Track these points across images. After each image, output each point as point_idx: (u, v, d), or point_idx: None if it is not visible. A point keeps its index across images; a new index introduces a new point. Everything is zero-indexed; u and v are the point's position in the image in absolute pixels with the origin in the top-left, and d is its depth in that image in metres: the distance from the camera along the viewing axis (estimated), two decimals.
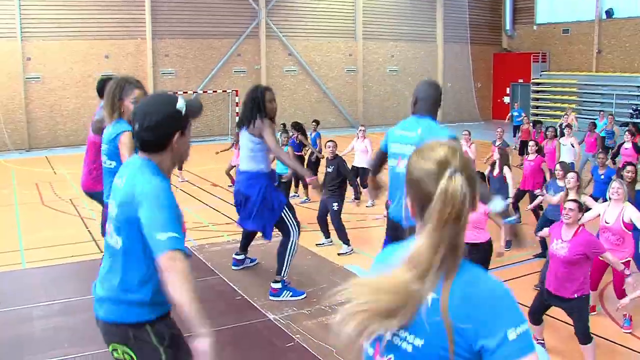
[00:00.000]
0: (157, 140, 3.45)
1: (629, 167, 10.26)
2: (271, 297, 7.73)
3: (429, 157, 2.03)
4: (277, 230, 8.00)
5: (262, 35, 31.46)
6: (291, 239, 7.80)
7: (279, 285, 7.77)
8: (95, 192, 7.46)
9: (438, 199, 1.95)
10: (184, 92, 28.77)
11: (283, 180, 12.59)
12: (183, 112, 3.46)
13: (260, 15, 31.22)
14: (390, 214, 5.95)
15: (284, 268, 7.77)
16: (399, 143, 5.63)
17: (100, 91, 7.35)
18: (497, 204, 5.32)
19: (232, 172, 14.65)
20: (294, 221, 7.88)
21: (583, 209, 7.65)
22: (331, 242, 11.64)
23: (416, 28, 36.04)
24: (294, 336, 6.71)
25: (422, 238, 1.98)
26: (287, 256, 7.77)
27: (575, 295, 6.99)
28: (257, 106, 7.53)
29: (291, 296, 7.75)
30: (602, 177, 11.91)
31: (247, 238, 8.84)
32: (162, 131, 3.43)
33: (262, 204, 7.66)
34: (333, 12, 33.38)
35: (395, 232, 5.69)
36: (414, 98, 5.79)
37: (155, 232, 3.20)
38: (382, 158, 6.16)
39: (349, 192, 13.23)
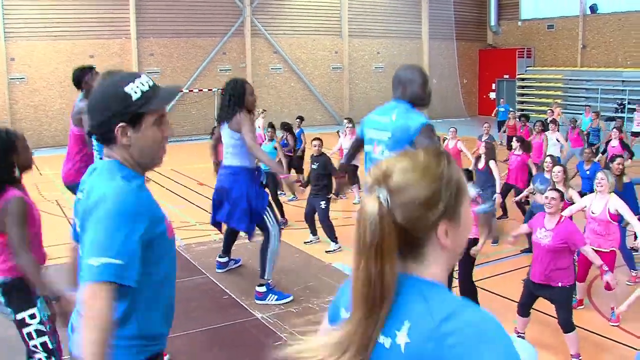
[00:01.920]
0: (98, 129, 2.79)
1: (618, 159, 10.37)
2: (256, 301, 7.68)
3: (373, 170, 1.75)
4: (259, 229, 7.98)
5: (247, 33, 31.43)
6: (271, 240, 7.72)
7: (263, 289, 7.70)
8: (77, 185, 7.38)
9: (357, 217, 1.70)
10: None
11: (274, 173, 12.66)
12: (134, 97, 2.70)
13: (245, 13, 31.18)
14: None
15: (267, 270, 7.70)
16: (374, 129, 5.43)
17: (77, 81, 7.31)
18: (483, 207, 5.23)
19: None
20: (274, 221, 7.82)
21: (565, 199, 7.74)
22: (319, 239, 11.65)
23: (402, 25, 36.09)
24: (282, 335, 6.71)
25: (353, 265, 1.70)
26: (268, 257, 7.69)
27: (560, 284, 7.08)
28: (237, 100, 7.48)
29: (276, 300, 7.69)
30: (588, 172, 11.98)
31: (230, 239, 8.77)
32: (100, 117, 2.74)
33: (244, 201, 7.59)
34: (318, 10, 33.39)
35: None
36: (393, 81, 5.54)
37: (89, 254, 2.51)
38: (358, 145, 5.99)
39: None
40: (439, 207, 1.70)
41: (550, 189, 7.67)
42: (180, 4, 29.43)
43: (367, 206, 1.65)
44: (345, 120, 16.70)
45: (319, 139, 12.18)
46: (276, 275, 8.02)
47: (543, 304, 7.59)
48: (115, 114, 2.69)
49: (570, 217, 8.18)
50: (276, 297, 7.70)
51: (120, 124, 2.70)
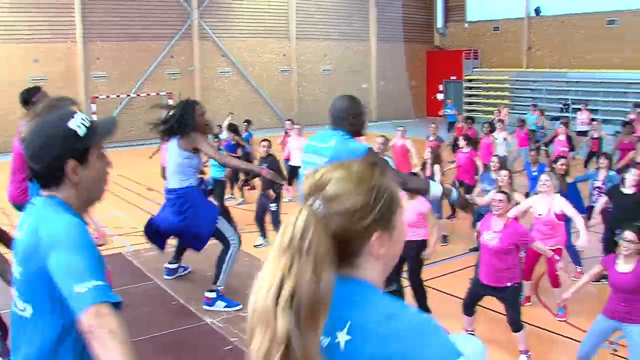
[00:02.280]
0: (45, 171, 2.68)
1: (561, 160, 10.55)
2: (205, 307, 7.62)
3: (309, 178, 1.76)
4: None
5: (195, 36, 31.21)
6: (231, 249, 7.72)
7: (213, 295, 7.67)
8: (23, 205, 7.24)
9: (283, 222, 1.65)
10: (117, 96, 28.38)
11: (223, 180, 12.61)
12: (81, 133, 2.66)
13: (192, 16, 30.97)
14: None
15: (221, 277, 7.67)
16: (311, 153, 5.44)
17: (25, 102, 7.16)
18: (436, 187, 5.25)
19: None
20: (232, 230, 7.79)
21: (511, 201, 7.85)
22: (269, 242, 11.61)
23: (349, 27, 36.22)
24: (231, 339, 6.67)
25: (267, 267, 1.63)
26: (225, 266, 7.68)
27: (508, 284, 7.18)
28: (186, 121, 7.41)
29: (225, 307, 7.65)
30: (535, 173, 12.16)
31: (181, 246, 8.73)
32: (48, 158, 2.64)
33: (195, 220, 7.55)
34: (266, 13, 33.30)
35: None
36: (330, 109, 5.49)
37: (73, 284, 2.40)
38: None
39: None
40: (372, 217, 1.72)
41: (497, 192, 7.77)
42: (127, 7, 29.05)
43: (301, 214, 1.63)
44: (287, 122, 16.72)
45: (267, 140, 12.14)
46: (227, 282, 7.96)
47: (493, 302, 7.67)
48: (64, 152, 2.63)
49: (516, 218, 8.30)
50: (225, 304, 7.66)
51: (71, 161, 2.64)
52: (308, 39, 34.67)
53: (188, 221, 7.57)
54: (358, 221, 1.70)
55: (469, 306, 7.63)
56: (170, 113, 7.55)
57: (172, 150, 7.55)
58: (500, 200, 7.37)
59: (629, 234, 6.33)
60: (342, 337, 1.65)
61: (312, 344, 1.56)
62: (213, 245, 8.00)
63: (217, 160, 7.50)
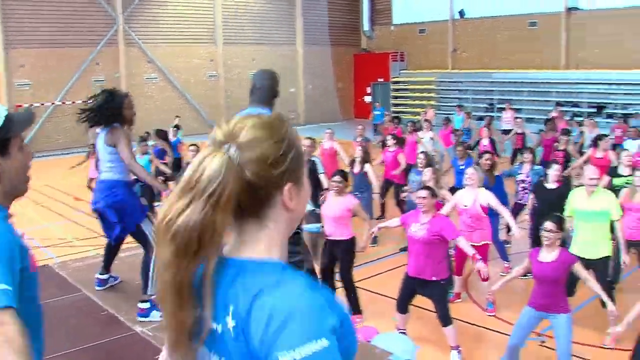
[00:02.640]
0: None
1: (486, 155, 10.78)
2: (139, 318, 7.46)
3: (219, 129, 1.74)
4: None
5: (120, 42, 30.76)
6: (152, 255, 7.53)
7: (146, 305, 7.46)
8: None
9: (192, 163, 1.67)
10: (41, 104, 27.77)
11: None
12: None
13: (117, 22, 30.52)
14: None
15: (149, 285, 7.51)
16: None
17: None
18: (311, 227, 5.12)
19: (93, 185, 14.21)
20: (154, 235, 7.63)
21: (437, 197, 8.00)
22: None
23: (276, 31, 36.22)
24: (161, 347, 6.58)
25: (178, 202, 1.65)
26: (151, 272, 7.51)
27: (434, 278, 7.28)
28: (114, 114, 7.25)
29: (161, 316, 7.45)
30: (462, 167, 12.35)
31: (110, 255, 8.50)
32: None
33: (121, 213, 7.40)
34: (192, 18, 33.02)
35: None
36: (252, 87, 5.57)
37: None
38: None
39: None
40: (285, 166, 1.70)
41: (421, 189, 7.87)
42: (51, 13, 28.41)
43: (214, 159, 1.63)
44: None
45: (195, 144, 12.04)
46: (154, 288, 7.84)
47: (425, 301, 7.75)
48: None
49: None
50: (160, 313, 7.44)
51: None
52: (235, 43, 34.52)
53: (115, 213, 7.40)
54: (271, 169, 1.68)
55: (403, 303, 7.71)
56: (97, 101, 7.33)
57: (100, 147, 7.39)
58: (423, 197, 7.47)
59: (548, 224, 6.52)
60: (230, 323, 1.62)
61: (185, 274, 1.63)
62: (140, 255, 7.87)
63: (126, 163, 7.29)
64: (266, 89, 5.48)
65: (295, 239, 5.45)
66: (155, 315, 7.40)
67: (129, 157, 7.23)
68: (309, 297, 1.57)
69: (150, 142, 15.42)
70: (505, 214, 8.88)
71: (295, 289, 1.58)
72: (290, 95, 35.95)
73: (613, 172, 10.66)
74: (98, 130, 7.49)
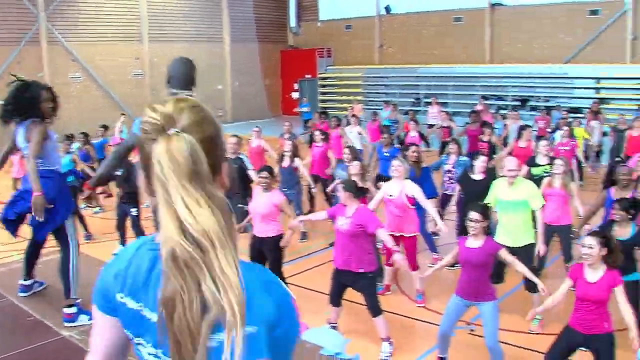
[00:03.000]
0: None
1: (413, 148, 10.87)
2: (66, 324, 7.22)
3: (153, 113, 1.69)
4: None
5: (43, 41, 29.94)
6: (71, 255, 7.29)
7: (73, 310, 7.23)
8: None
9: (160, 159, 1.60)
10: None
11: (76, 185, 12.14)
12: None
13: (39, 20, 29.75)
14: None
15: (72, 288, 7.28)
16: None
17: None
18: None
19: (19, 185, 13.83)
20: (74, 235, 7.41)
21: (360, 190, 8.09)
22: None
23: (203, 29, 35.87)
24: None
25: (179, 200, 1.58)
26: (71, 275, 7.28)
27: (361, 270, 7.34)
28: (30, 107, 6.97)
29: (89, 320, 7.19)
30: (387, 155, 12.47)
31: (31, 260, 8.20)
32: None
33: (51, 210, 7.11)
34: (117, 15, 32.37)
35: None
36: (168, 76, 5.48)
37: None
38: (127, 151, 5.75)
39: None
40: (222, 145, 1.75)
41: (338, 183, 7.94)
42: None
43: (175, 142, 1.60)
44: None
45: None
46: (83, 291, 7.61)
47: (355, 294, 7.78)
48: None
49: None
50: (88, 317, 7.15)
51: None
52: (161, 41, 34.01)
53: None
54: (216, 148, 1.70)
55: (335, 296, 7.74)
56: (8, 94, 7.02)
57: (20, 141, 7.10)
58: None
59: (473, 214, 6.65)
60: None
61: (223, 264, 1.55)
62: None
63: (28, 158, 6.98)
64: (182, 77, 5.38)
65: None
66: (83, 319, 7.20)
67: (34, 153, 6.91)
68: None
69: (76, 145, 14.98)
70: (430, 208, 8.99)
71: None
72: (218, 92, 35.70)
73: (532, 161, 10.90)
74: (15, 126, 7.17)
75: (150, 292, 1.72)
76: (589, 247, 5.84)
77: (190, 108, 1.70)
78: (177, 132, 1.63)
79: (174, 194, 1.57)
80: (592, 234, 6.05)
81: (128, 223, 11.05)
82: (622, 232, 7.06)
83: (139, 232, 10.87)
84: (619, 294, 5.81)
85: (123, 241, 11.32)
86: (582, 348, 6.34)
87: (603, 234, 6.05)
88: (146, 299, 1.74)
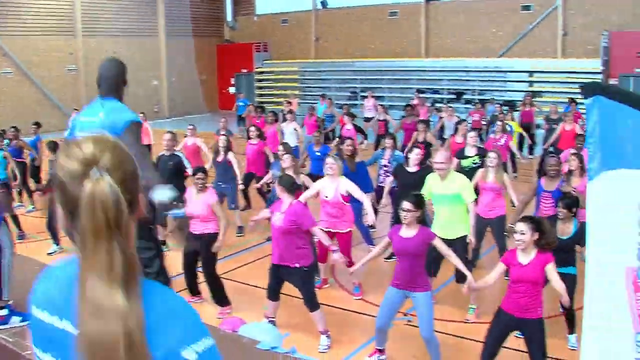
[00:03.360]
0: None
1: (347, 141, 10.87)
2: None
3: (73, 155, 1.67)
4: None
5: None
6: (4, 254, 7.15)
7: (4, 312, 7.10)
8: None
9: (85, 205, 1.60)
10: None
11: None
12: None
13: None
14: None
15: (3, 289, 7.12)
16: (85, 130, 4.95)
17: None
18: (162, 193, 4.90)
19: None
20: (7, 237, 7.26)
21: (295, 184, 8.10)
22: (62, 249, 11.11)
23: (138, 23, 35.33)
24: (24, 354, 6.31)
25: (86, 257, 1.61)
26: (4, 275, 7.13)
27: (297, 265, 7.35)
28: None
29: (21, 321, 7.07)
30: (318, 154, 12.46)
31: None
32: None
33: None
34: (50, 9, 31.61)
35: None
36: (98, 77, 5.28)
37: None
38: None
39: None
40: (139, 179, 1.77)
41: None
42: None
43: (99, 187, 1.61)
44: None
45: (54, 142, 11.58)
46: (16, 291, 7.44)
47: (293, 288, 7.77)
48: None
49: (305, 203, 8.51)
50: (20, 318, 7.03)
51: None
52: (95, 36, 33.40)
53: None
54: (135, 184, 1.73)
55: (273, 290, 7.72)
56: None
57: None
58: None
59: (406, 204, 6.70)
60: None
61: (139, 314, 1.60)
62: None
63: None
64: (113, 79, 5.27)
65: (148, 234, 5.31)
66: (16, 321, 7.04)
67: None
68: None
69: (6, 141, 14.60)
70: (366, 202, 9.00)
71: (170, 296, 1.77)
72: (154, 87, 35.32)
73: (461, 154, 11.03)
74: None
75: (72, 305, 1.68)
76: (520, 232, 6.00)
77: (111, 148, 1.71)
78: (101, 175, 1.63)
79: (86, 249, 1.62)
80: (522, 219, 6.21)
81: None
82: (564, 228, 7.21)
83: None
84: (551, 272, 5.99)
85: (57, 240, 11.11)
86: (516, 333, 6.49)
87: (533, 219, 6.23)
88: (66, 312, 1.72)
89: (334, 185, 8.90)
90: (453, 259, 6.90)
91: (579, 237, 6.98)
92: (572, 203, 7.29)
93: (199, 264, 8.58)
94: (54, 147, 11.33)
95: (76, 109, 19.11)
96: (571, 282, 7.00)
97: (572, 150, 10.62)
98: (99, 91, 5.20)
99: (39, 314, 1.80)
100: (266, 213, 8.19)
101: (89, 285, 1.58)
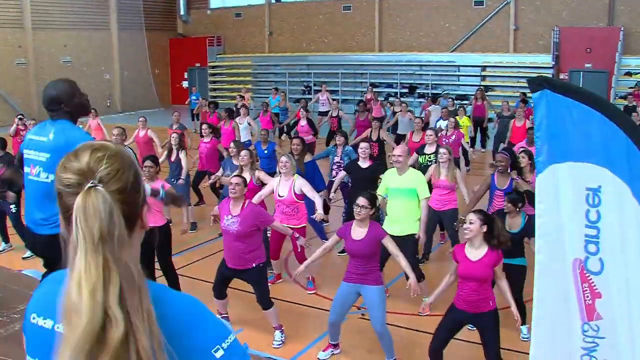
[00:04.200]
0: None
1: (295, 141, 10.89)
2: None
3: (69, 166, 1.65)
4: None
5: None
6: None
7: None
8: None
9: (76, 217, 1.55)
10: None
11: None
12: None
13: None
14: (25, 219, 5.37)
15: None
16: (32, 149, 5.02)
17: None
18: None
19: None
20: None
21: (248, 182, 8.09)
22: (11, 246, 10.94)
23: (89, 16, 34.73)
24: None
25: (81, 266, 1.53)
26: None
27: (254, 265, 7.30)
28: None
29: None
30: (266, 151, 12.47)
31: None
32: None
33: None
34: None
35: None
36: (47, 99, 5.05)
37: None
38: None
39: None
40: (141, 190, 1.73)
41: (234, 175, 7.87)
42: None
43: (93, 200, 1.56)
44: (16, 119, 16.03)
45: (2, 139, 11.36)
46: None
47: (244, 283, 7.76)
48: None
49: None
50: None
51: None
52: (45, 29, 32.84)
53: None
54: (136, 195, 1.69)
55: (218, 289, 7.66)
56: None
57: None
58: (236, 183, 7.43)
59: (361, 200, 6.73)
60: None
61: (146, 336, 1.52)
62: None
63: None
64: (62, 101, 5.07)
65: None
66: None
67: None
68: None
69: None
70: (318, 202, 9.00)
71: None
72: (106, 81, 34.91)
73: (421, 150, 11.13)
74: None
75: None
76: (469, 222, 6.09)
77: (109, 157, 1.66)
78: (95, 185, 1.59)
79: (77, 261, 1.53)
80: (474, 211, 6.33)
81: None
82: (513, 223, 7.32)
83: (20, 229, 10.41)
84: (499, 273, 6.12)
85: (5, 239, 10.93)
86: (469, 326, 6.57)
87: (485, 213, 6.33)
88: None
89: (288, 183, 8.93)
90: (401, 260, 6.87)
91: (528, 230, 7.10)
92: (517, 199, 7.40)
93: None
94: (2, 145, 11.07)
95: (34, 120, 18.56)
96: (521, 273, 7.14)
97: (522, 145, 10.80)
98: (48, 114, 5.07)
99: (37, 321, 1.77)
100: (216, 211, 8.09)
101: (79, 299, 1.50)
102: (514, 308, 6.19)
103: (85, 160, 1.64)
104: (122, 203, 1.61)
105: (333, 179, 11.18)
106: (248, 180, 9.24)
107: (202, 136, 13.39)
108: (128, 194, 1.64)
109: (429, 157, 10.76)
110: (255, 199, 8.66)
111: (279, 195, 8.95)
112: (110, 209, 1.56)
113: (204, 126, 13.48)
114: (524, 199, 7.49)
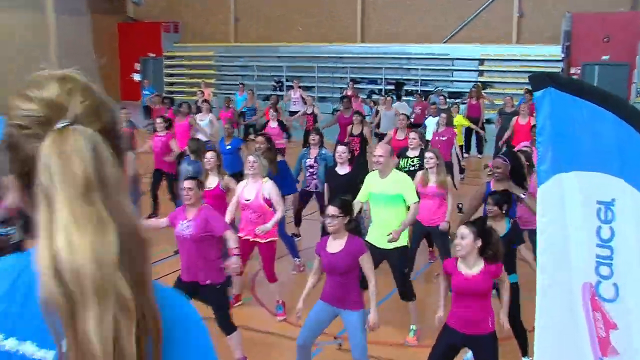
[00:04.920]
0: None
1: (259, 138, 10.90)
2: None
3: (34, 96, 1.44)
4: None
5: None
6: None
7: None
8: None
9: (49, 165, 1.32)
10: None
11: None
12: None
13: None
14: None
15: None
16: None
17: None
18: None
19: None
20: None
21: (214, 187, 8.06)
22: None
23: None
24: None
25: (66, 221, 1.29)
26: None
27: (209, 282, 7.28)
28: None
29: None
30: (229, 147, 12.47)
31: None
32: None
33: None
34: None
35: None
36: None
37: None
38: None
39: None
40: (122, 135, 1.58)
41: (187, 179, 7.83)
42: None
43: (65, 143, 1.34)
44: None
45: None
46: None
47: (206, 308, 7.71)
48: None
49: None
50: None
51: None
52: None
53: None
54: (118, 139, 1.50)
55: None
56: None
57: None
58: (189, 188, 7.44)
59: (331, 209, 6.68)
60: None
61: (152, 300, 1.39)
62: None
63: None
64: None
65: None
66: None
67: None
68: None
69: None
70: (278, 213, 8.90)
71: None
72: (42, 71, 34.56)
73: (403, 152, 11.13)
74: None
75: (34, 321, 1.41)
76: (461, 237, 6.05)
77: (82, 90, 1.48)
78: (70, 124, 1.39)
79: (58, 215, 1.30)
80: (466, 224, 6.28)
81: None
82: (497, 227, 7.25)
83: None
84: (503, 276, 6.23)
85: None
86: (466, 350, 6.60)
87: (478, 225, 6.28)
88: (24, 331, 1.46)
89: (255, 186, 8.91)
90: (370, 287, 6.75)
91: (512, 236, 7.10)
92: (502, 199, 7.37)
93: None
94: None
95: None
96: (513, 293, 7.05)
97: (526, 146, 10.82)
98: None
99: None
100: (163, 222, 7.99)
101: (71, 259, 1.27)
102: (503, 315, 6.33)
103: (54, 92, 1.45)
104: (114, 137, 1.47)
105: (307, 188, 11.15)
106: (214, 186, 9.27)
107: (155, 130, 13.35)
108: (112, 136, 1.46)
109: (412, 161, 10.74)
110: (229, 215, 8.70)
111: (245, 199, 8.91)
112: (95, 147, 1.37)
113: (159, 120, 13.45)
114: (509, 199, 7.49)
